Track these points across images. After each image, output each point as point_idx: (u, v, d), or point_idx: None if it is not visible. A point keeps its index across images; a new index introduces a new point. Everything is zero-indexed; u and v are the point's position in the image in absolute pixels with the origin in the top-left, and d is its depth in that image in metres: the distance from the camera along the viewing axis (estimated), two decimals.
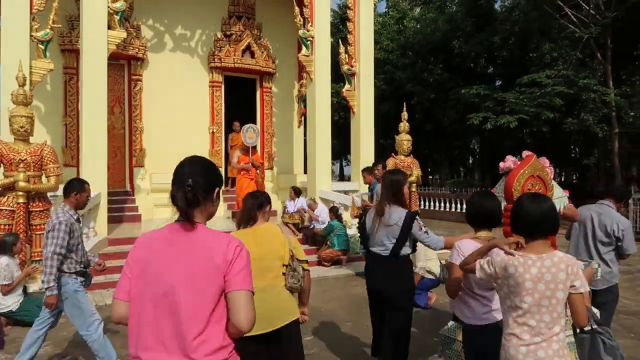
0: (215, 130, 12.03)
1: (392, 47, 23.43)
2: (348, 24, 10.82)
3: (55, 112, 10.35)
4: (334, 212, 8.55)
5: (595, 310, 3.32)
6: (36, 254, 6.19)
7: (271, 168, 12.76)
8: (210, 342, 1.61)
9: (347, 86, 10.64)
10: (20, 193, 5.88)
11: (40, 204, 6.18)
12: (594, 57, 18.06)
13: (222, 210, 11.63)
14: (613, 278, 4.04)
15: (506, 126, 17.04)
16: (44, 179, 6.36)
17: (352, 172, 10.83)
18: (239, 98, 12.68)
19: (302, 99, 13.44)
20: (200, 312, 1.61)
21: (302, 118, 13.48)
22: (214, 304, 1.63)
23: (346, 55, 10.56)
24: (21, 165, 5.97)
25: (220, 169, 11.69)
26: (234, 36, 12.12)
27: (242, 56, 12.05)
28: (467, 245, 2.72)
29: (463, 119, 20.44)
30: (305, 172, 12.77)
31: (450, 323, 3.55)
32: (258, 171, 9.95)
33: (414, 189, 9.26)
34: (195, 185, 1.70)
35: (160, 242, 1.72)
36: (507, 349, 2.26)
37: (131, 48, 10.74)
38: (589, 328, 2.27)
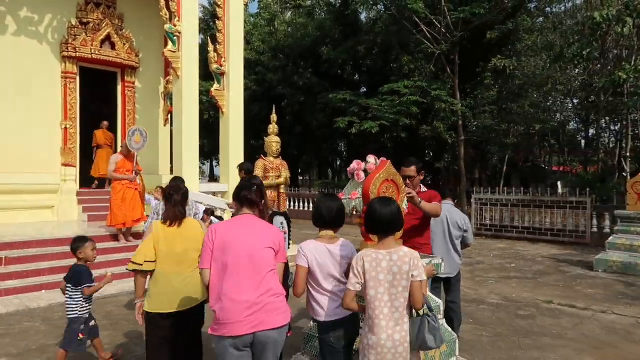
0: (69, 126, 10.95)
1: (264, 49, 23.52)
2: (217, 22, 10.61)
3: None
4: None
5: (434, 297, 3.68)
6: None
7: None
8: (271, 286, 2.64)
9: (216, 85, 10.43)
10: None
11: None
12: (445, 71, 20.03)
13: (77, 213, 10.67)
14: (460, 264, 4.95)
15: (369, 131, 18.10)
16: None
17: (221, 172, 10.64)
18: (98, 92, 11.72)
19: (169, 96, 12.86)
20: (265, 269, 2.63)
21: (169, 116, 12.91)
22: (272, 265, 2.68)
23: (215, 54, 10.34)
24: None
25: (73, 168, 10.78)
26: (91, 24, 11.17)
27: (101, 47, 11.17)
28: (309, 245, 2.84)
29: (331, 123, 21.28)
30: (172, 172, 12.23)
31: (312, 322, 3.67)
32: (138, 180, 8.67)
33: (282, 191, 9.39)
34: (258, 188, 2.85)
35: (234, 226, 2.72)
36: (370, 337, 2.51)
37: None
38: (422, 312, 2.59)
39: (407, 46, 20.44)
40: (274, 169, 9.28)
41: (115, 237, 8.51)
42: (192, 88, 9.86)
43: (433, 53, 18.60)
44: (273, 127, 9.52)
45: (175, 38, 9.62)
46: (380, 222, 2.58)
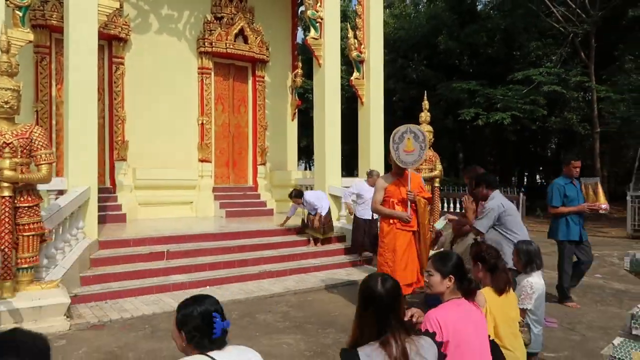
0: (204, 122, 10.92)
1: None
2: (357, 7, 10.03)
3: (25, 97, 8.94)
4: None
5: None
6: (23, 260, 4.98)
7: (264, 164, 11.77)
8: None
9: (355, 74, 9.83)
10: (6, 184, 4.70)
11: (30, 198, 5.00)
12: (576, 56, 18.06)
13: (214, 209, 10.57)
14: None
15: (498, 123, 16.73)
16: (32, 167, 5.19)
17: (360, 166, 10.01)
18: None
19: (297, 90, 12.57)
20: None
21: (296, 111, 12.60)
22: None
23: (355, 41, 9.75)
24: (6, 149, 4.79)
25: (209, 163, 10.68)
26: (225, 19, 11.07)
27: (235, 41, 11.03)
28: None
29: (445, 117, 20.07)
30: (306, 168, 11.92)
31: (619, 340, 2.84)
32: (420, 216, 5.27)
33: (437, 185, 8.58)
34: None
35: None
36: None
37: (113, 27, 9.52)
38: None
39: (532, 31, 18.72)
40: (426, 161, 8.48)
41: None
42: (334, 76, 9.33)
43: (565, 37, 16.82)
44: (425, 115, 8.74)
45: (317, 24, 9.15)
46: None
